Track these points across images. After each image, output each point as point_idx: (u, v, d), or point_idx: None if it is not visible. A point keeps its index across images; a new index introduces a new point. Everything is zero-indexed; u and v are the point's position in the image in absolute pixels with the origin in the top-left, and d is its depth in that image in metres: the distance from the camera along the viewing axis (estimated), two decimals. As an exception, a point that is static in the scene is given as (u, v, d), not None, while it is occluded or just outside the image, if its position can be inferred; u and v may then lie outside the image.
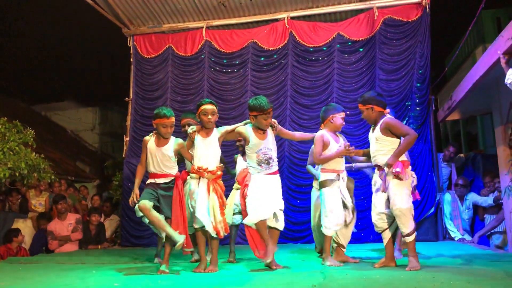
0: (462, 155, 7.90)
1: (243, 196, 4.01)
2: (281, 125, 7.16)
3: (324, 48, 7.43)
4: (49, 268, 4.31)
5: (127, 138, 7.99)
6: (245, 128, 4.07)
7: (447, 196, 6.81)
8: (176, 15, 7.97)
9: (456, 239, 6.48)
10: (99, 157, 14.99)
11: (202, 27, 7.93)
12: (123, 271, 4.04)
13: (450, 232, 6.62)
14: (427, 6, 7.01)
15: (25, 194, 7.57)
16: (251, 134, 4.01)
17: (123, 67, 8.87)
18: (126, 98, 8.19)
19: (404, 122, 6.94)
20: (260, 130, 4.04)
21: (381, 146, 3.94)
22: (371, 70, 7.17)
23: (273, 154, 4.05)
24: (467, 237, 6.50)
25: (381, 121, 3.98)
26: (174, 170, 4.09)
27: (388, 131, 3.91)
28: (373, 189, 4.08)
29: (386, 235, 3.97)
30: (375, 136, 4.00)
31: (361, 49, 7.30)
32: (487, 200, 6.43)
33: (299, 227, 6.97)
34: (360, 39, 7.28)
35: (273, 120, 4.11)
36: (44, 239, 6.76)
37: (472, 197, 6.68)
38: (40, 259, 5.39)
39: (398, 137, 3.92)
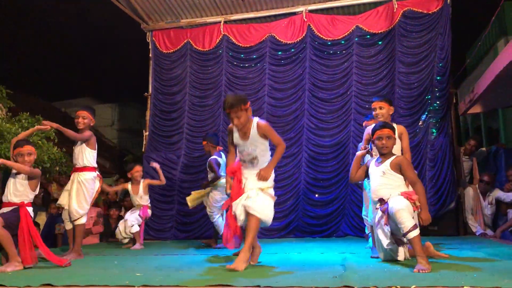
0: (483, 148, 7.76)
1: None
2: (299, 119, 7.26)
3: (343, 42, 7.37)
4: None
5: (147, 133, 8.07)
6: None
7: (469, 190, 6.70)
8: (194, 10, 8.01)
9: (477, 234, 6.38)
10: (118, 152, 15.19)
11: (220, 22, 7.95)
12: (145, 262, 4.09)
13: (472, 227, 6.51)
14: (448, -3, 6.89)
15: (48, 188, 7.72)
16: (236, 131, 3.80)
17: (140, 63, 8.95)
18: (146, 93, 8.26)
19: (424, 116, 6.87)
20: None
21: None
22: (391, 63, 7.09)
23: (259, 152, 3.75)
24: (489, 232, 6.40)
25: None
26: None
27: None
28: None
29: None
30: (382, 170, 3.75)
31: (380, 42, 7.22)
32: (510, 196, 6.31)
33: (317, 221, 6.96)
34: (379, 31, 7.21)
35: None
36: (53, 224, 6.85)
37: (495, 193, 6.55)
38: (62, 251, 5.48)
39: None
